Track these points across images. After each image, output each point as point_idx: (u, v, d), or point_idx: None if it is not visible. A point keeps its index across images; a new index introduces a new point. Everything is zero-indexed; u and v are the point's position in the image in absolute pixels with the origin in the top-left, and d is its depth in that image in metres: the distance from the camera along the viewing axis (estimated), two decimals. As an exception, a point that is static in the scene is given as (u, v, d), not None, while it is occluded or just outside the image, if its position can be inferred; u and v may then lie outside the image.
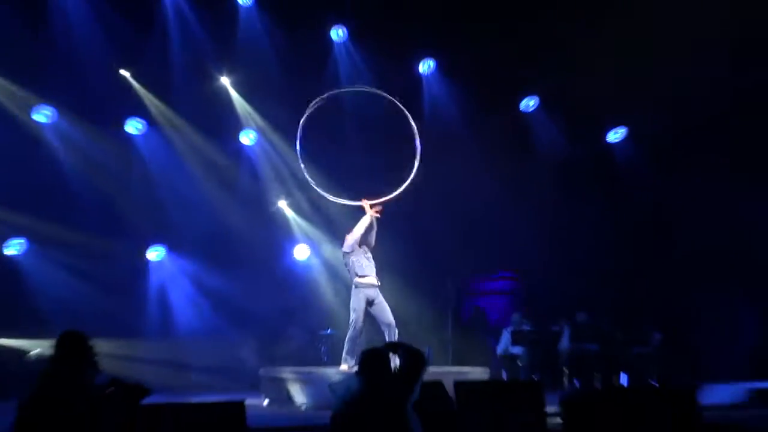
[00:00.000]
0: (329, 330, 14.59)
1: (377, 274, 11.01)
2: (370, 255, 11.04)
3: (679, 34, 12.87)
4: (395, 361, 4.64)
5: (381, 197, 11.27)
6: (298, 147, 11.65)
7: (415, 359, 4.54)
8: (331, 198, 11.64)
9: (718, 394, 11.14)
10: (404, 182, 11.46)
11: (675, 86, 13.71)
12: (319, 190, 11.61)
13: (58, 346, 4.56)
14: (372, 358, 4.60)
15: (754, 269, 14.31)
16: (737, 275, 14.47)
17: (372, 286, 10.85)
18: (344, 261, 11.07)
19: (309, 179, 11.63)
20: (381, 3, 14.68)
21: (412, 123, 11.78)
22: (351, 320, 10.80)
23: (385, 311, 10.79)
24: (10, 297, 13.59)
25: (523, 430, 7.66)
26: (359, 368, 4.61)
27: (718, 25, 12.57)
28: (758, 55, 13.42)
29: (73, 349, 4.52)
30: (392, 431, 4.26)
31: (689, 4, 12.77)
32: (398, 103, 11.85)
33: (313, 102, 11.76)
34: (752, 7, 12.81)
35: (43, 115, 14.36)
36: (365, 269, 10.87)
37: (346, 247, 10.92)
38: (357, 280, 10.84)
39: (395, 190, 11.39)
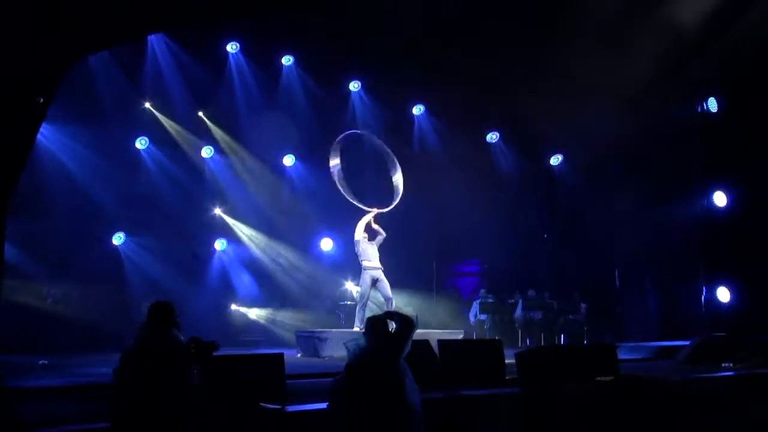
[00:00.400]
0: (346, 301, 14.48)
1: (380, 260, 10.92)
2: (375, 245, 10.94)
3: (603, 85, 12.77)
4: (392, 325, 4.59)
5: (383, 207, 11.31)
6: (337, 170, 11.59)
7: (406, 323, 4.53)
8: (357, 203, 11.49)
9: (632, 351, 11.07)
10: (395, 199, 11.56)
11: (600, 124, 13.63)
12: (349, 197, 11.47)
13: (151, 312, 4.45)
14: (375, 323, 4.57)
15: (658, 262, 14.27)
16: (647, 265, 14.42)
17: (375, 268, 10.76)
18: (355, 249, 10.97)
19: (341, 188, 11.53)
20: (386, 63, 14.57)
21: (395, 161, 11.84)
22: (359, 294, 10.73)
23: (385, 288, 10.71)
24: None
25: (488, 375, 7.58)
26: (365, 330, 4.59)
27: (631, 76, 12.46)
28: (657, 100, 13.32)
29: (162, 314, 4.42)
30: (389, 376, 4.25)
31: (610, 63, 12.67)
32: (387, 149, 11.89)
33: (342, 138, 11.74)
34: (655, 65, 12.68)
35: (141, 143, 14.34)
36: (370, 256, 10.77)
37: (356, 236, 10.86)
38: (364, 264, 10.76)
39: (389, 205, 11.44)
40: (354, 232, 10.93)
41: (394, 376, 4.23)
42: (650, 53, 12.03)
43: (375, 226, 10.95)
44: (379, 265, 10.82)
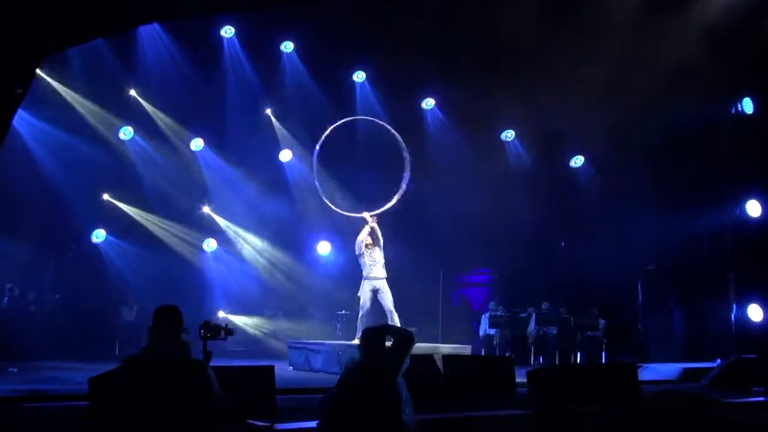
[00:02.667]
0: (344, 311, 14.45)
1: (384, 266, 10.88)
2: (376, 255, 10.87)
3: (629, 83, 12.75)
4: (390, 340, 4.61)
5: (378, 208, 11.20)
6: (314, 163, 11.57)
7: (404, 338, 4.54)
8: (337, 210, 11.48)
9: (655, 372, 11.01)
10: (394, 196, 11.46)
11: (624, 125, 13.62)
12: (328, 202, 11.46)
13: (158, 316, 4.40)
14: (370, 337, 4.58)
15: (685, 275, 14.23)
16: (672, 279, 14.39)
17: (377, 278, 10.73)
18: (359, 260, 10.97)
19: (321, 194, 11.51)
20: (393, 53, 14.57)
21: (405, 152, 11.76)
22: (360, 305, 10.72)
23: (387, 300, 10.69)
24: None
25: (496, 396, 7.55)
26: (360, 344, 4.60)
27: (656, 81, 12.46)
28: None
29: (169, 319, 4.37)
30: (384, 394, 4.24)
31: (637, 59, 12.65)
32: (395, 134, 11.78)
33: (332, 127, 11.71)
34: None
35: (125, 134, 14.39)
36: (370, 268, 10.75)
37: (357, 251, 10.84)
38: (365, 274, 10.75)
39: (387, 203, 11.32)
40: (355, 245, 10.89)
41: (389, 393, 4.22)
42: (680, 49, 12.00)
43: (372, 222, 10.88)
44: (382, 274, 10.80)
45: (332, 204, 11.45)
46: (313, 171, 11.51)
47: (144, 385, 4.03)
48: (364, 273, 10.75)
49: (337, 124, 11.67)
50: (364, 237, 10.76)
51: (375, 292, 10.66)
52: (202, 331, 4.68)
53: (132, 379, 4.08)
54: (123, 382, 4.09)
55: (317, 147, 11.58)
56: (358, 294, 10.81)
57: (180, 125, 14.76)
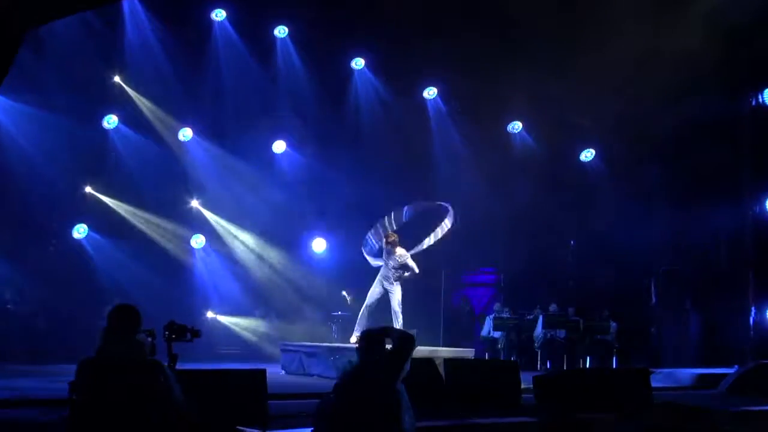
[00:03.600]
0: (339, 312, 14.42)
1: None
2: (392, 261, 11.16)
3: (642, 74, 12.72)
4: (389, 343, 4.60)
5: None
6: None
7: (405, 341, 4.53)
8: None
9: (668, 378, 11.01)
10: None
11: (637, 118, 13.61)
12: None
13: (111, 317, 4.39)
14: (369, 339, 4.57)
15: (701, 276, 14.23)
16: (687, 280, 14.39)
17: (385, 278, 11.13)
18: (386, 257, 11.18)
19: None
20: (394, 39, 14.53)
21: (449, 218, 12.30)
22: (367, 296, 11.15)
23: (394, 300, 10.96)
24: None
25: (501, 403, 7.53)
26: (358, 347, 4.59)
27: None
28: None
29: (128, 319, 4.37)
30: (383, 400, 4.23)
31: (651, 50, 12.62)
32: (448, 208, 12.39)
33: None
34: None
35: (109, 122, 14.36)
36: (391, 271, 11.08)
37: (396, 258, 11.03)
38: (386, 273, 11.08)
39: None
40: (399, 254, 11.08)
41: (388, 399, 4.20)
42: (698, 39, 11.98)
43: (410, 263, 11.13)
44: (396, 278, 11.13)
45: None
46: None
47: (97, 390, 4.04)
48: (384, 271, 11.08)
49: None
50: (407, 258, 11.03)
51: (385, 290, 10.92)
52: (166, 332, 4.65)
53: (85, 384, 4.09)
54: (77, 387, 4.11)
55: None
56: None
57: (167, 114, 14.70)
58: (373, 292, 11.09)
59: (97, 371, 4.13)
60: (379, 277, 11.16)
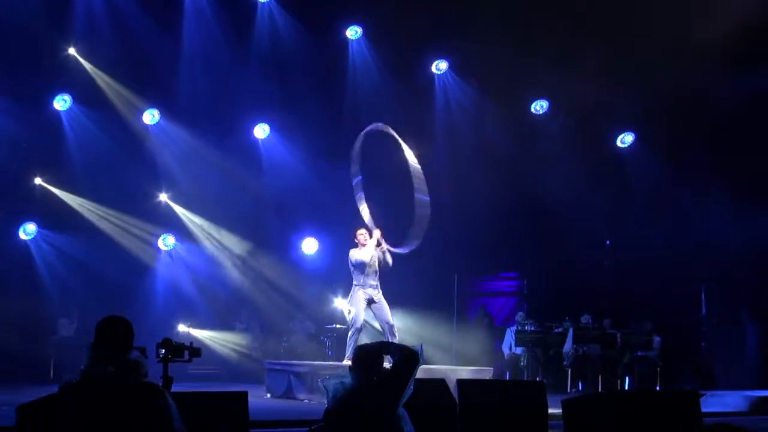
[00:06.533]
0: (334, 324, 14.46)
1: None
2: (375, 259, 10.89)
3: (686, 43, 12.70)
4: (388, 360, 4.60)
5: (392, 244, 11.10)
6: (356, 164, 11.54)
7: (407, 358, 4.52)
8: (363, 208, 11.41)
9: (721, 402, 11.03)
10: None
11: (682, 95, 13.60)
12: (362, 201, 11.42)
13: (100, 330, 4.35)
14: (364, 356, 4.58)
15: (759, 282, 14.23)
16: (743, 287, 14.39)
17: (372, 287, 10.72)
18: (350, 261, 10.91)
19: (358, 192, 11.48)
20: (395, 2, 14.54)
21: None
22: (352, 319, 10.71)
23: (386, 311, 10.71)
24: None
25: (525, 429, 7.54)
26: (352, 366, 4.60)
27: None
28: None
29: (114, 333, 4.34)
30: (381, 429, 4.23)
31: (696, 13, 12.60)
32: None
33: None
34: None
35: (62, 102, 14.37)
36: (367, 277, 10.72)
37: (355, 261, 10.77)
38: (359, 282, 10.72)
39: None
40: (355, 256, 10.81)
41: (387, 427, 4.21)
42: (754, 2, 11.99)
43: (384, 246, 10.89)
44: (376, 282, 10.83)
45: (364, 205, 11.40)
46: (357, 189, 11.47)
47: (85, 420, 4.01)
48: (356, 281, 10.75)
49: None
50: (371, 251, 10.72)
51: (370, 302, 10.68)
52: (162, 351, 4.66)
53: (69, 413, 4.06)
54: (59, 418, 4.08)
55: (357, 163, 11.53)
56: (349, 305, 10.80)
57: (131, 92, 14.72)
58: (358, 312, 10.58)
59: (83, 397, 4.09)
60: (358, 291, 10.68)
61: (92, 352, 4.19)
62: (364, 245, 10.80)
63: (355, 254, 10.76)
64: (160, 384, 4.47)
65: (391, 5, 14.54)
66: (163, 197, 15.18)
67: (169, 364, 4.83)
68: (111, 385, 4.06)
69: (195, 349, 4.89)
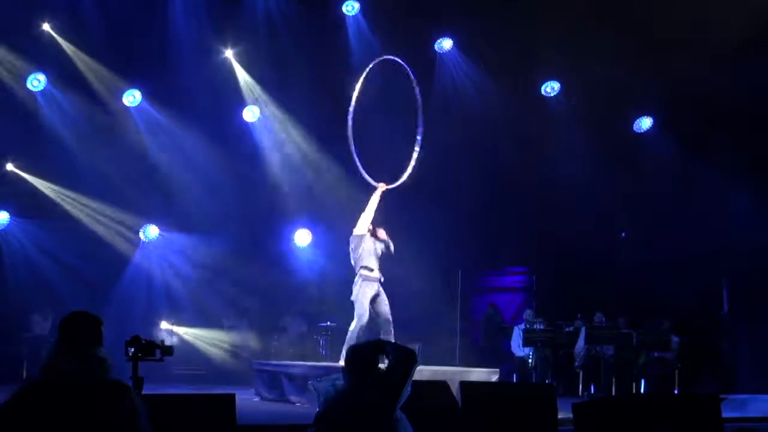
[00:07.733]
0: (328, 322, 14.47)
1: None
2: (380, 247, 10.91)
3: (709, 24, 12.70)
4: (384, 360, 4.60)
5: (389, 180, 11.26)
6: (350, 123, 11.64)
7: (404, 358, 4.52)
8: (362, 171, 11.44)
9: (745, 406, 11.05)
10: (409, 164, 11.53)
11: (707, 76, 13.59)
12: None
13: (64, 327, 4.36)
14: (357, 356, 4.59)
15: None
16: (766, 286, 14.39)
17: (377, 279, 10.76)
18: (351, 247, 10.89)
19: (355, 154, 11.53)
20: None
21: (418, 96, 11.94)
22: (356, 315, 10.66)
23: (384, 307, 10.73)
24: None
25: (532, 436, 7.56)
26: (345, 366, 4.61)
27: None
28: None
29: (79, 329, 4.34)
30: (378, 432, 4.23)
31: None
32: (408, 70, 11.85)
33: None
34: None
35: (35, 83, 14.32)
36: (374, 262, 10.75)
37: (358, 230, 10.78)
38: (363, 271, 10.70)
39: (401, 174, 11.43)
40: (355, 223, 10.85)
41: (384, 431, 4.21)
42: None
43: (381, 236, 10.90)
44: (379, 274, 10.83)
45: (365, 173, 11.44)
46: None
47: (44, 421, 4.00)
48: (360, 270, 10.71)
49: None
50: (371, 210, 10.76)
51: (375, 297, 10.67)
52: (131, 349, 4.64)
53: (30, 414, 4.05)
54: (19, 417, 4.07)
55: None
56: (353, 298, 10.74)
57: (110, 72, 14.68)
58: (365, 309, 10.63)
59: (43, 395, 4.09)
60: (364, 284, 10.72)
61: (55, 347, 4.21)
62: (377, 238, 10.82)
63: (367, 243, 10.75)
64: (131, 384, 4.47)
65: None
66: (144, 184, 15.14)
67: (157, 363, 4.84)
68: (73, 381, 4.06)
69: (167, 348, 4.90)
